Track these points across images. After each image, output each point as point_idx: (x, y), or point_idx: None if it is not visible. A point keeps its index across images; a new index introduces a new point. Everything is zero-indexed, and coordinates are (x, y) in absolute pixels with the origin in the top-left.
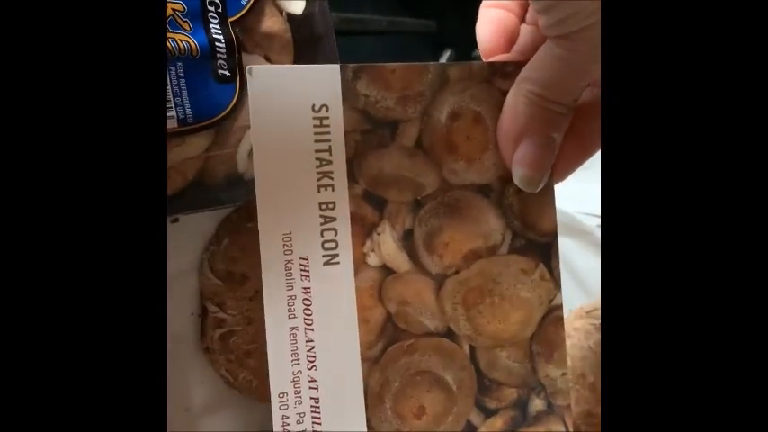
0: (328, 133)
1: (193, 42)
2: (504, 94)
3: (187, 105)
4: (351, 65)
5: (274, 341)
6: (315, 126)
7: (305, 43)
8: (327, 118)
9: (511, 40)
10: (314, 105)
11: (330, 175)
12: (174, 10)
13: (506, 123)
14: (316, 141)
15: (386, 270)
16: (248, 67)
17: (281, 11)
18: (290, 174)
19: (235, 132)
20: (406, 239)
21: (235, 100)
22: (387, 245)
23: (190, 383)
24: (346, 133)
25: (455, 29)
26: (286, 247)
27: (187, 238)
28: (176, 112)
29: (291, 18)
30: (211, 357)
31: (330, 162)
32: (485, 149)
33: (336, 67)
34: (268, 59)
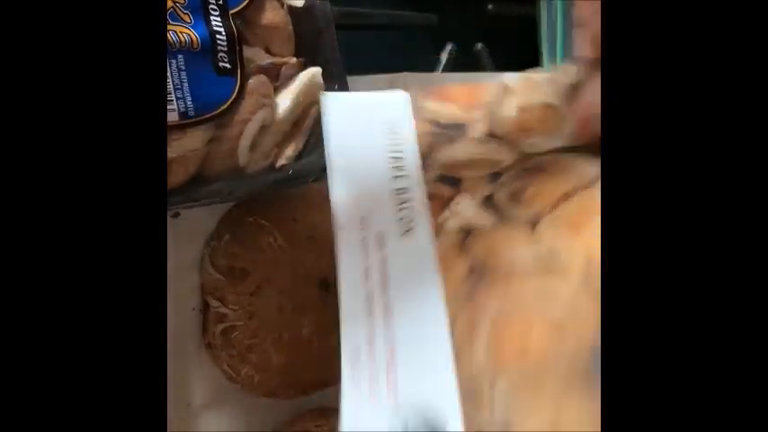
0: (401, 140)
1: (194, 35)
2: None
3: (188, 98)
4: (417, 90)
5: (348, 301)
6: (388, 136)
7: (306, 36)
8: (398, 133)
9: None
10: (389, 126)
11: (402, 168)
12: (174, 2)
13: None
14: (390, 147)
15: (467, 231)
16: (321, 93)
17: (282, 3)
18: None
19: (235, 126)
20: (488, 201)
21: (236, 93)
22: (466, 209)
23: (191, 379)
24: (418, 135)
25: (456, 23)
26: (363, 226)
27: (188, 233)
28: (177, 104)
29: (292, 11)
30: (213, 353)
31: (401, 158)
32: (562, 120)
33: (407, 95)
34: (269, 52)
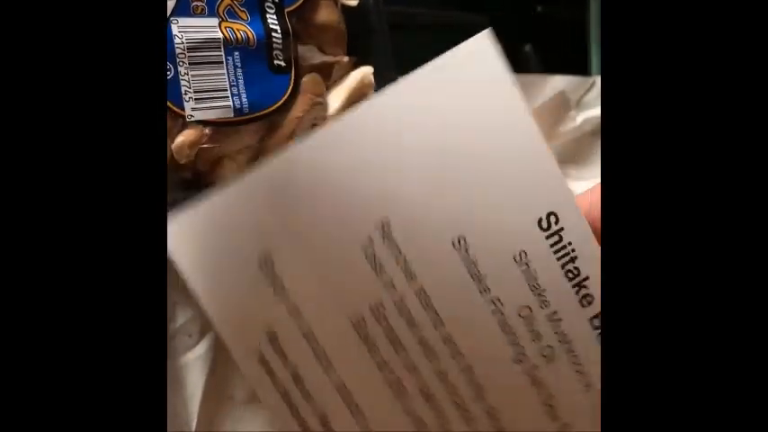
0: None
1: (251, 32)
2: None
3: (243, 95)
4: None
5: None
6: None
7: (358, 36)
8: None
9: None
10: None
11: None
12: (232, 0)
13: None
14: None
15: None
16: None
17: (336, 2)
18: None
19: (288, 124)
20: None
21: (290, 91)
22: None
23: (235, 373)
24: None
25: (504, 24)
26: None
27: None
28: (232, 101)
29: (346, 10)
30: None
31: None
32: None
33: None
34: (322, 50)
